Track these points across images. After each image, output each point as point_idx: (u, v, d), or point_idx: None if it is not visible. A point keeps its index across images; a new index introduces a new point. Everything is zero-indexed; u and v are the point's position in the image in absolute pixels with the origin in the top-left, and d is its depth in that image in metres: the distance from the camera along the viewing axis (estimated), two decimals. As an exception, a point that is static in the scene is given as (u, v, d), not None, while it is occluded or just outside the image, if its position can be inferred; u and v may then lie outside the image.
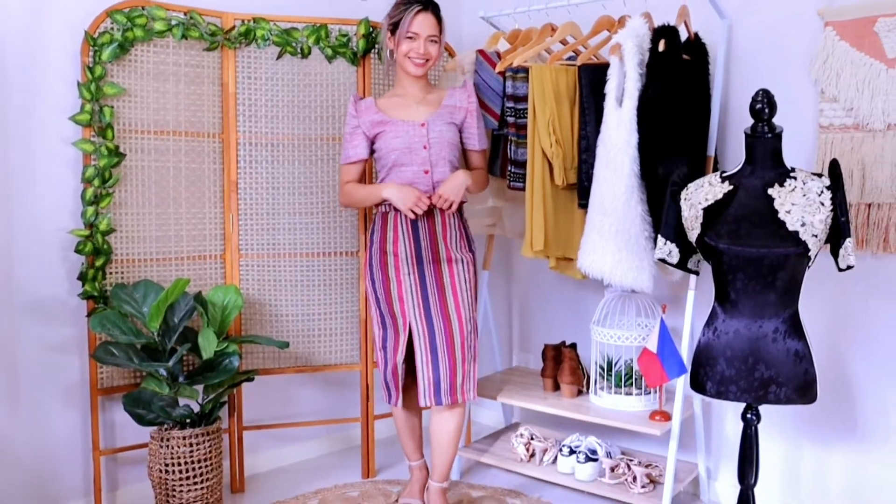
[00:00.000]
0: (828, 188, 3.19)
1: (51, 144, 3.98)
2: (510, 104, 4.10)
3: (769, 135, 3.29)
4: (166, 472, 3.87)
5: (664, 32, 3.79)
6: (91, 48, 3.98)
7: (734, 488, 4.14)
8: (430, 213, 3.94)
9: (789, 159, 3.60)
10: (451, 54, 4.87)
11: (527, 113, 4.05)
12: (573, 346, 4.55)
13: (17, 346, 3.94)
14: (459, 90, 4.10)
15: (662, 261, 3.57)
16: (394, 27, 3.95)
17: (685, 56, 3.88)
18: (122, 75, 4.10)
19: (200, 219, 4.41)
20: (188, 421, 3.97)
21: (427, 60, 3.96)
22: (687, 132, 3.86)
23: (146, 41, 4.13)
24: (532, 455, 4.53)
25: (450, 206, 3.90)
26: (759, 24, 4.08)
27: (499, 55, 4.31)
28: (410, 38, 3.90)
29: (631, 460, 4.28)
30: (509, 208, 4.63)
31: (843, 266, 3.19)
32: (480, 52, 4.27)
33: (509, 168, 4.16)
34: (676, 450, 3.94)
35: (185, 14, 4.24)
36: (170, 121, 4.27)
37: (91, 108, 3.97)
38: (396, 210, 3.92)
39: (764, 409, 3.55)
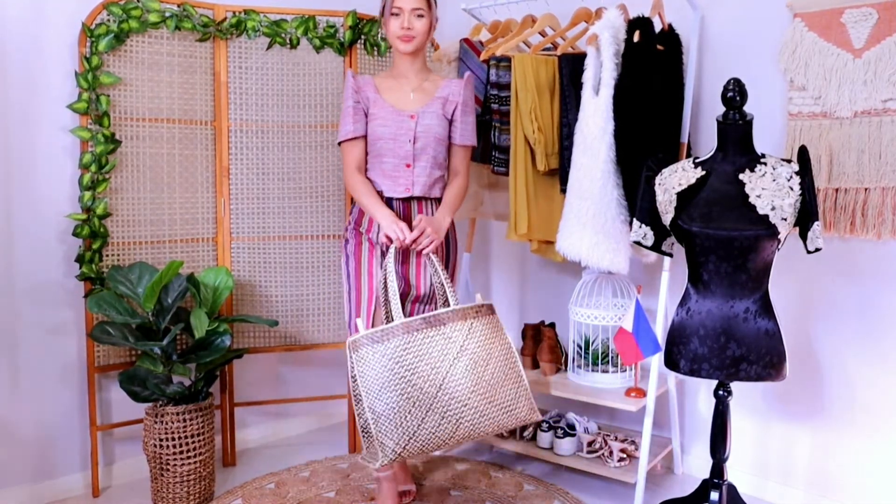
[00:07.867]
0: (797, 173, 3.18)
1: (49, 132, 3.94)
2: (493, 91, 4.01)
3: (740, 122, 3.29)
4: (160, 446, 3.81)
5: (639, 24, 3.73)
6: (88, 39, 3.95)
7: (707, 462, 4.08)
8: (408, 204, 3.71)
9: (759, 146, 3.57)
10: (436, 47, 4.78)
11: (510, 100, 3.98)
12: (552, 325, 4.49)
13: (17, 327, 3.90)
14: (455, 81, 3.78)
15: (638, 243, 3.53)
16: (383, 10, 3.68)
17: (659, 46, 3.81)
18: (117, 65, 4.06)
19: (193, 203, 4.36)
20: (181, 397, 3.90)
21: (414, 36, 3.63)
22: (661, 120, 3.79)
23: (141, 32, 4.09)
24: (512, 430, 4.46)
25: (425, 247, 3.55)
26: (730, 16, 4.03)
27: (482, 44, 4.23)
28: (395, 14, 3.61)
29: (608, 435, 4.24)
30: (489, 193, 4.57)
31: (811, 248, 3.16)
32: (465, 40, 4.20)
33: (493, 153, 4.07)
34: (651, 425, 3.88)
35: (179, 6, 4.18)
36: (164, 109, 4.22)
37: (88, 96, 3.94)
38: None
39: (735, 386, 3.51)
